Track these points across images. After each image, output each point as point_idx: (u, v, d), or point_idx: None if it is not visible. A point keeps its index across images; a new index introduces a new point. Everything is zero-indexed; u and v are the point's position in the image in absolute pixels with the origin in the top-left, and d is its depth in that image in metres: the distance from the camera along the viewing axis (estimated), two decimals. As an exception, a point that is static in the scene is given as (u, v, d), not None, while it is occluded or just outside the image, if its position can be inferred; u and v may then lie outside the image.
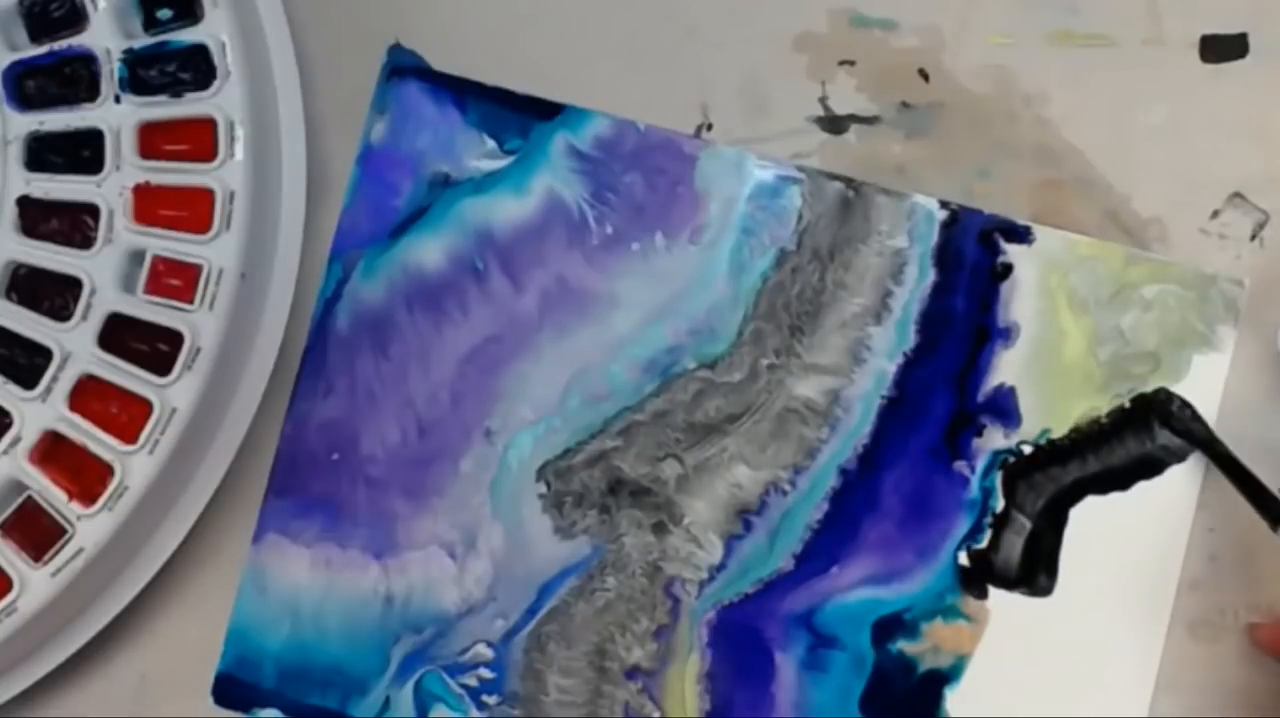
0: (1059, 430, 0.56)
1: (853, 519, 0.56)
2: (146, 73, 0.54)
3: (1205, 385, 0.55)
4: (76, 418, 0.53)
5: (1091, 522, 0.55)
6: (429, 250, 0.58)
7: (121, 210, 0.54)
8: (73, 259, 0.54)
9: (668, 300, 0.57)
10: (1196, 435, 0.54)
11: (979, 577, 0.55)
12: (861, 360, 0.56)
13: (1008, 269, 0.56)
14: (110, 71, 0.54)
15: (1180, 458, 0.55)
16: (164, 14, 0.55)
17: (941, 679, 0.55)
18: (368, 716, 0.57)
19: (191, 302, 0.53)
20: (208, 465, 0.56)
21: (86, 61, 0.54)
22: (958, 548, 0.56)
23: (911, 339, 0.56)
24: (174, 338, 0.53)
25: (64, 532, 0.53)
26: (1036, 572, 0.55)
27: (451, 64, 0.58)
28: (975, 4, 0.57)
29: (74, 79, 0.54)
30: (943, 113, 0.57)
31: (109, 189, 0.54)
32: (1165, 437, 0.55)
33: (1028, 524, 0.56)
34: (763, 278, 0.57)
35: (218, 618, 0.57)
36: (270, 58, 0.57)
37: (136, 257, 0.54)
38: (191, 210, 0.54)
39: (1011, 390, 0.56)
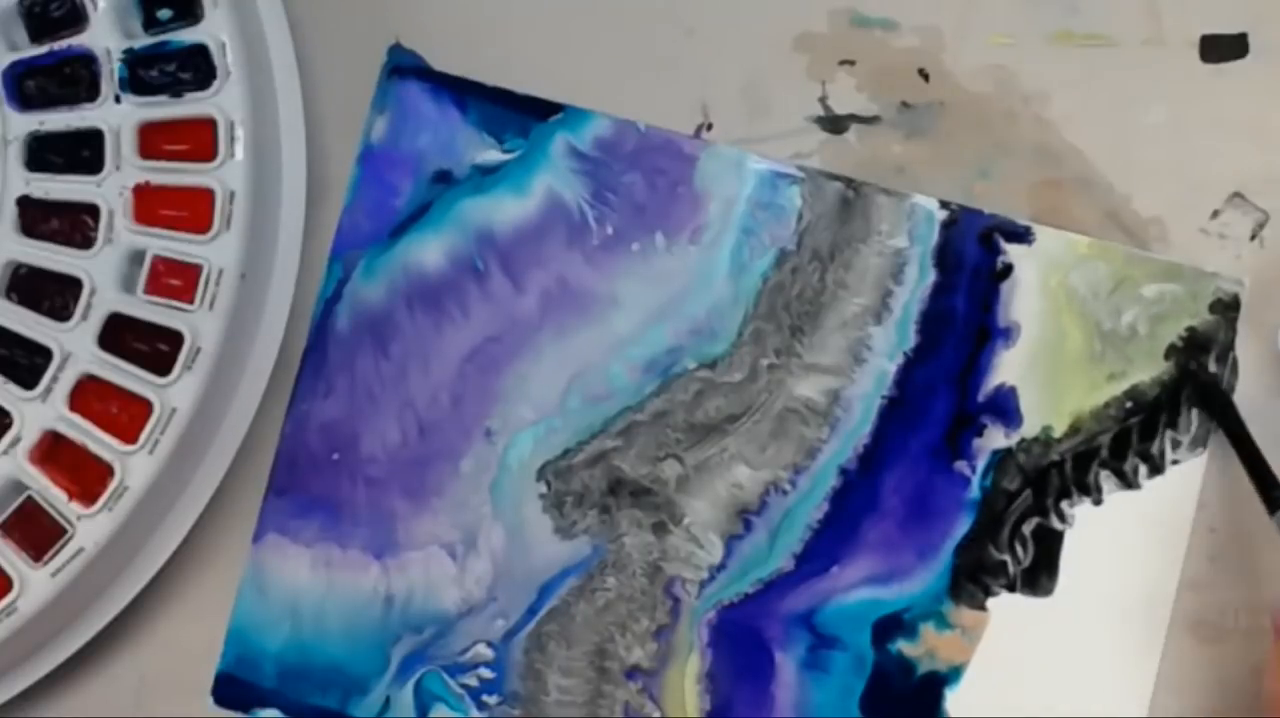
0: (1060, 430, 0.56)
1: (853, 519, 0.56)
2: (146, 73, 0.54)
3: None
4: (76, 418, 0.53)
5: (1091, 522, 0.55)
6: (429, 250, 0.58)
7: (121, 210, 0.54)
8: (73, 259, 0.54)
9: (668, 300, 0.57)
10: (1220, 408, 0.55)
11: (978, 578, 0.55)
12: (862, 360, 0.56)
13: (1008, 269, 0.56)
14: (110, 71, 0.54)
15: (1181, 459, 0.55)
16: (164, 14, 0.55)
17: (941, 680, 0.55)
18: (368, 716, 0.57)
19: (191, 302, 0.53)
20: (208, 465, 0.56)
21: (86, 61, 0.54)
22: (957, 548, 0.56)
23: (912, 339, 0.56)
24: (174, 338, 0.53)
25: (64, 532, 0.53)
26: (1038, 572, 0.55)
27: (451, 64, 0.58)
28: (975, 4, 0.57)
29: (74, 79, 0.54)
30: (943, 113, 0.57)
31: (109, 189, 0.54)
32: (1170, 437, 0.55)
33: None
34: (763, 278, 0.57)
35: (218, 618, 0.57)
36: (270, 58, 0.57)
37: (136, 257, 0.54)
38: (191, 210, 0.54)
39: (1012, 390, 0.56)
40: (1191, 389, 0.55)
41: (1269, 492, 0.52)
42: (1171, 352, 0.55)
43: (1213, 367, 0.55)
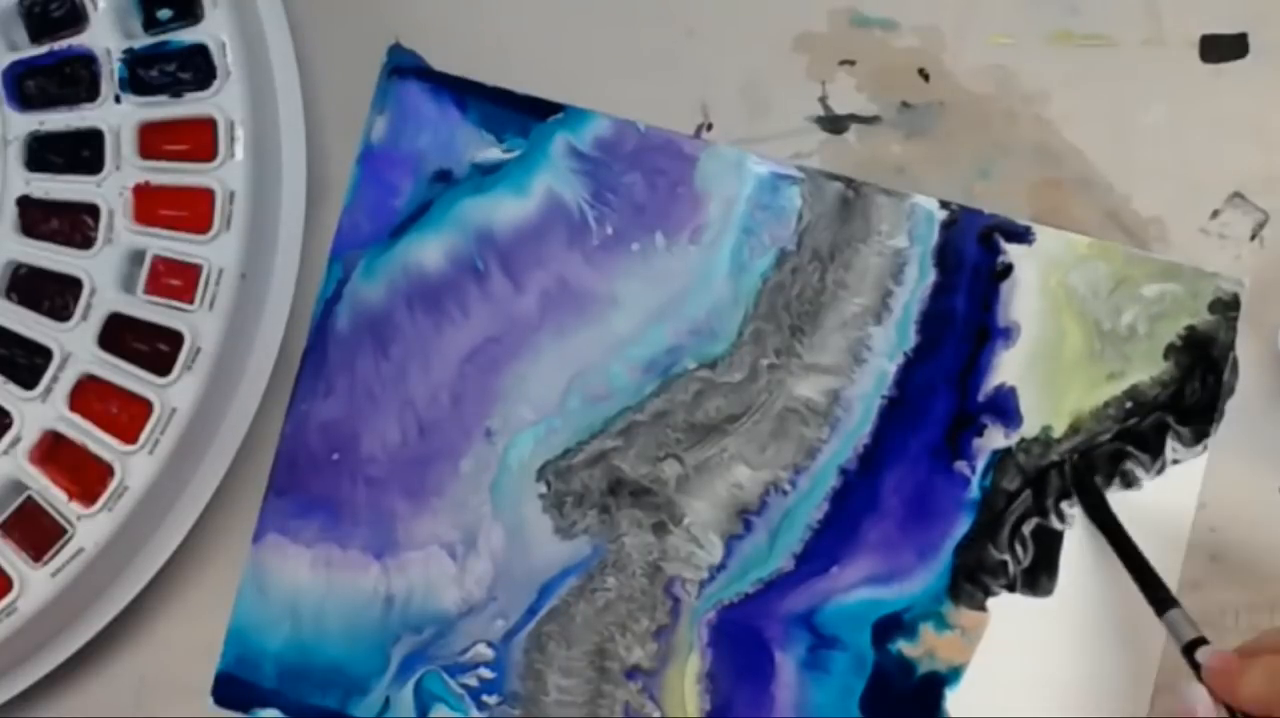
0: (1059, 430, 0.56)
1: (853, 519, 0.56)
2: (146, 73, 0.54)
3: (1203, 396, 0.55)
4: (76, 418, 0.53)
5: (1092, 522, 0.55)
6: (429, 250, 0.58)
7: (121, 210, 0.54)
8: (73, 259, 0.54)
9: (668, 300, 0.57)
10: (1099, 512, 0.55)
11: (978, 578, 0.55)
12: (862, 360, 0.56)
13: (1008, 269, 0.56)
14: (110, 71, 0.54)
15: (1181, 458, 0.55)
16: (164, 14, 0.55)
17: (941, 680, 0.55)
18: (368, 716, 0.57)
19: (191, 302, 0.53)
20: (208, 465, 0.56)
21: (86, 61, 0.54)
22: (957, 548, 0.56)
23: (912, 339, 0.56)
24: (174, 338, 0.53)
25: (64, 532, 0.53)
26: (1037, 572, 0.55)
27: (451, 64, 0.58)
28: (975, 4, 0.57)
29: (74, 79, 0.54)
30: (943, 113, 0.57)
31: (109, 189, 0.54)
32: (1170, 436, 0.55)
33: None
34: (763, 278, 0.57)
35: (218, 618, 0.57)
36: (270, 58, 0.57)
37: (136, 257, 0.54)
38: (191, 210, 0.54)
39: (1012, 390, 0.56)
40: (1073, 485, 0.55)
41: (1154, 592, 0.52)
42: (1171, 351, 0.55)
43: (1211, 369, 0.55)
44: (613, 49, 0.58)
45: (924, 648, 0.55)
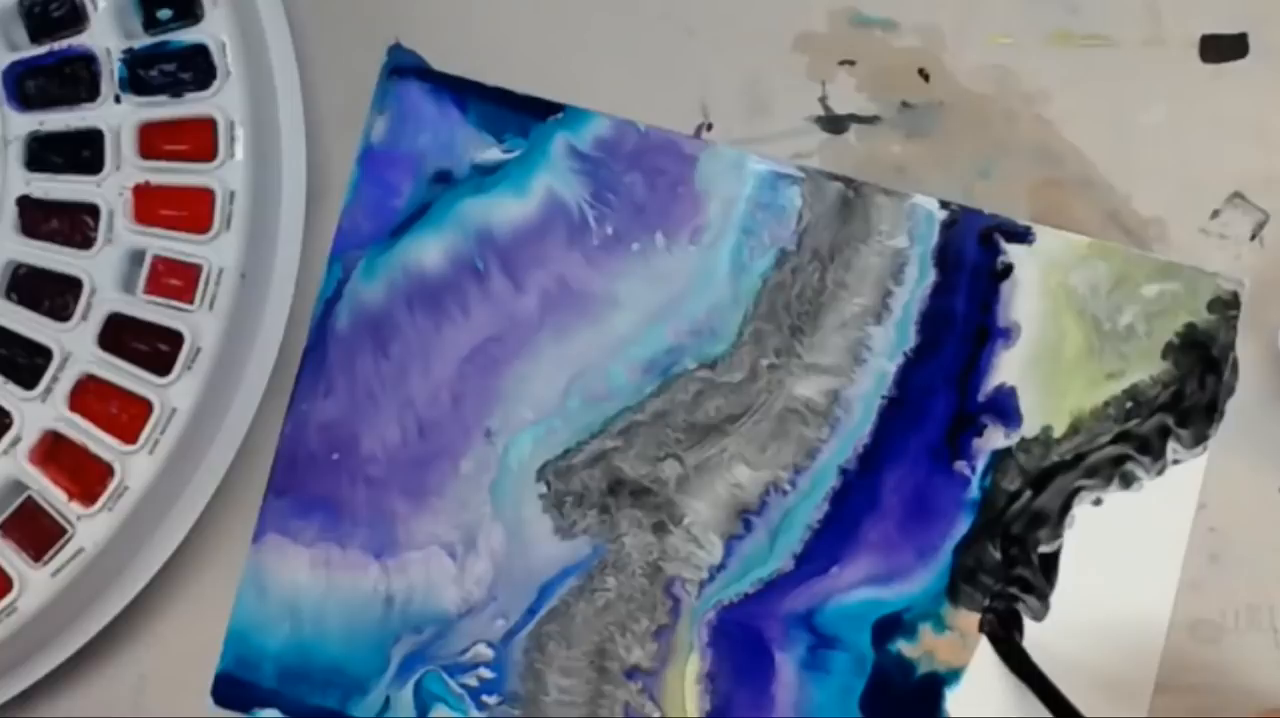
0: (1060, 430, 0.56)
1: (853, 519, 0.56)
2: (146, 73, 0.54)
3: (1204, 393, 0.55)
4: (76, 418, 0.53)
5: (1091, 522, 0.55)
6: (429, 250, 0.58)
7: (121, 210, 0.54)
8: (73, 259, 0.54)
9: (668, 300, 0.57)
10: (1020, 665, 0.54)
11: (977, 579, 0.55)
12: (862, 360, 0.56)
13: (1008, 269, 0.56)
14: (110, 71, 0.54)
15: (1181, 457, 0.55)
16: (164, 14, 0.55)
17: (941, 680, 0.55)
18: (368, 716, 0.57)
19: (191, 302, 0.53)
20: (208, 465, 0.56)
21: (86, 61, 0.54)
22: (957, 548, 0.56)
23: (912, 339, 0.56)
24: (174, 338, 0.53)
25: (64, 532, 0.53)
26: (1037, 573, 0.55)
27: (451, 64, 0.58)
28: (975, 4, 0.57)
29: (74, 79, 0.54)
30: (943, 113, 0.57)
31: (109, 189, 0.54)
32: (1170, 436, 0.55)
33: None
34: (763, 278, 0.57)
35: (218, 618, 0.57)
36: (270, 58, 0.57)
37: (136, 257, 0.54)
38: (191, 210, 0.54)
39: (1012, 390, 0.56)
40: (989, 638, 0.55)
41: None
42: (1170, 351, 0.55)
43: (1212, 370, 0.55)
44: (613, 49, 0.58)
45: (923, 649, 0.55)
